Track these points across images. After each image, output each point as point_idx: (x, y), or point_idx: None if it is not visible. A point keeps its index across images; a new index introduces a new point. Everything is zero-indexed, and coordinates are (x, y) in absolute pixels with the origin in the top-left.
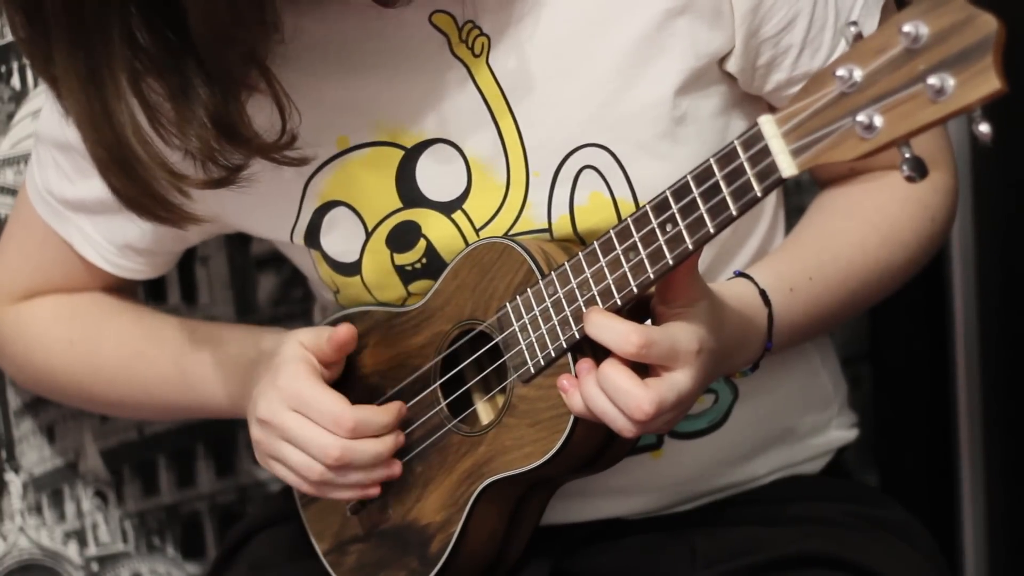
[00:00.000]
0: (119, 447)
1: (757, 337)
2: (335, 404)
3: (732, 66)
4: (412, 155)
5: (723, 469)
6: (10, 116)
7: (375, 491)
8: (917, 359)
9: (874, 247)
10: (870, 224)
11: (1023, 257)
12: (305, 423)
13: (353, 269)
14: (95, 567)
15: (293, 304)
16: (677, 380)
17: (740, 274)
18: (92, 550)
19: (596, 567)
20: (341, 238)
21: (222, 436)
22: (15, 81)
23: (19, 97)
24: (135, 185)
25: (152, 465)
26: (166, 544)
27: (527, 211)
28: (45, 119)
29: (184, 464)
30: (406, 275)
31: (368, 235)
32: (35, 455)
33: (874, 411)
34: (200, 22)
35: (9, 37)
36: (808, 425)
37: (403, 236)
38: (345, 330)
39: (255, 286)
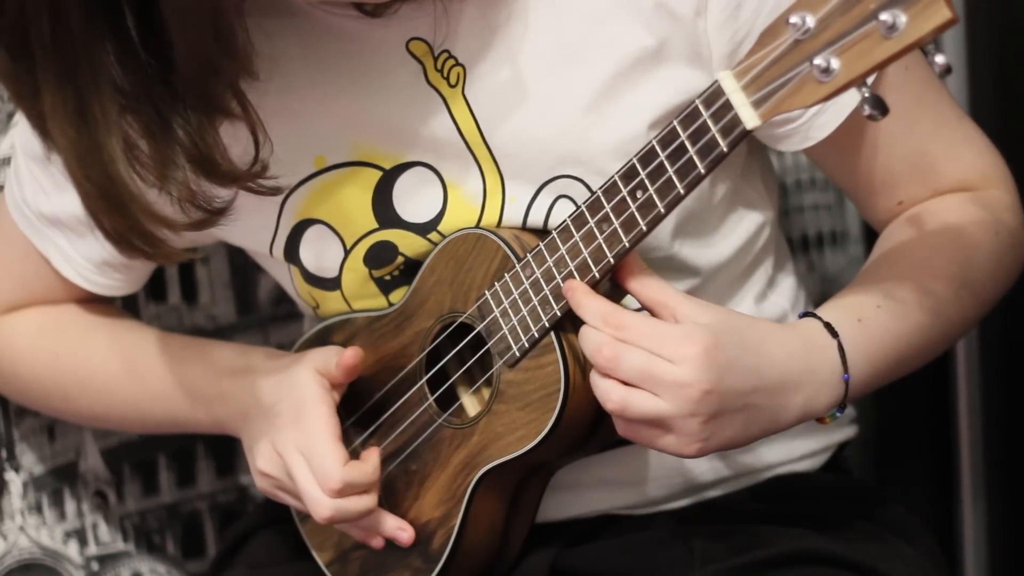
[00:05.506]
0: (119, 446)
1: (828, 369)
2: (330, 463)
3: None
4: (390, 176)
5: (715, 460)
6: (10, 116)
7: (378, 542)
8: None
9: (942, 266)
10: (931, 246)
11: None
12: (306, 471)
13: (333, 284)
14: (95, 566)
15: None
16: (671, 370)
17: (804, 315)
18: (92, 549)
19: (595, 565)
20: (321, 255)
21: (222, 436)
22: None
23: None
24: (123, 220)
25: (152, 464)
26: (166, 543)
27: None
28: (23, 131)
29: (184, 463)
30: (385, 285)
31: (347, 253)
32: (35, 454)
33: (874, 411)
34: (187, 54)
35: None
36: None
37: (380, 255)
38: (352, 354)
39: (255, 286)
